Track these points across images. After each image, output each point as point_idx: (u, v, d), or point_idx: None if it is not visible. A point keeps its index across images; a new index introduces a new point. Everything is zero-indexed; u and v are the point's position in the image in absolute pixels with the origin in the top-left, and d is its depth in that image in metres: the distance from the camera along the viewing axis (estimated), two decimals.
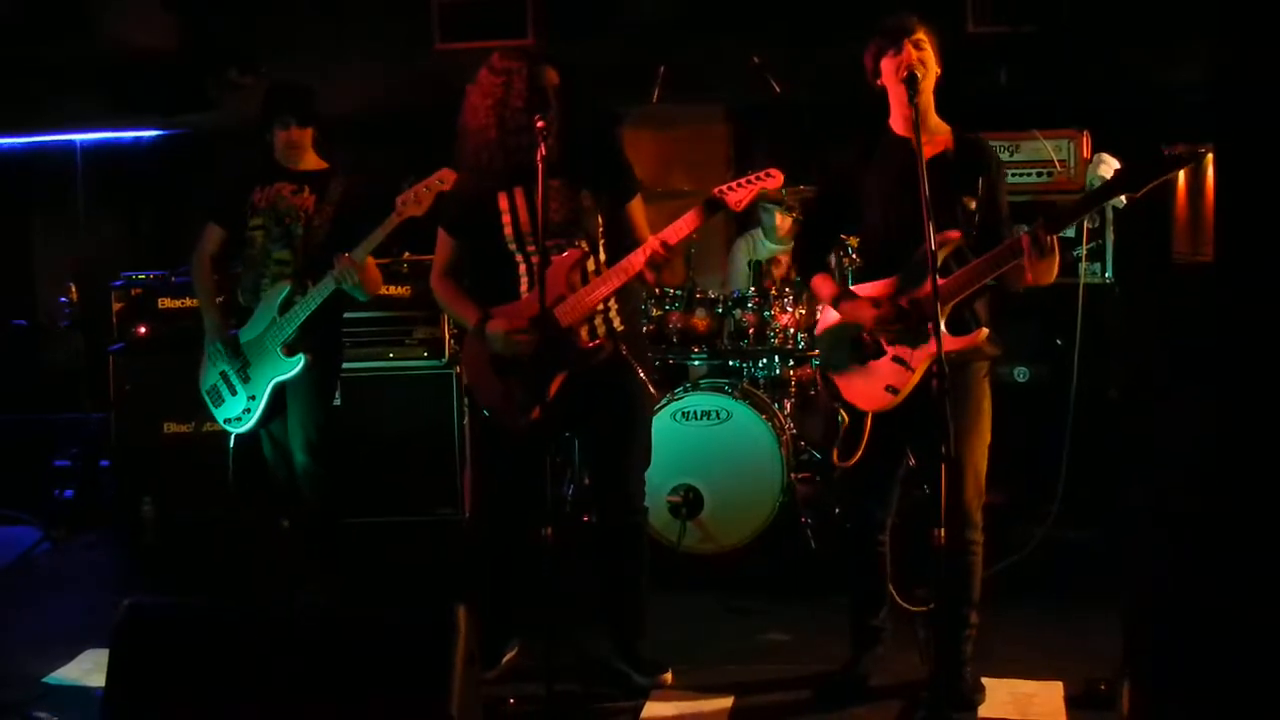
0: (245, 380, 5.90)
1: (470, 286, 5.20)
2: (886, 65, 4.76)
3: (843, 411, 4.94)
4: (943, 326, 4.53)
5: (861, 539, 5.10)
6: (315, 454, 5.87)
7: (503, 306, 5.00)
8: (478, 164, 4.99)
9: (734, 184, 4.84)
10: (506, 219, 4.99)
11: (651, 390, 5.22)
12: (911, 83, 4.66)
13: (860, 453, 4.88)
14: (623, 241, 5.02)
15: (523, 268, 5.02)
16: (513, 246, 5.01)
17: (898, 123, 4.86)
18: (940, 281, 4.56)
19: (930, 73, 4.73)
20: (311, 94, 6.03)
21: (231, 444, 6.17)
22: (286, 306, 5.79)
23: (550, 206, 4.85)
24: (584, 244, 4.96)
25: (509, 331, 4.92)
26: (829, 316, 5.04)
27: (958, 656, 4.87)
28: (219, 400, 5.99)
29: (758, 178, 4.83)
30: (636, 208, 5.11)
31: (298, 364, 5.78)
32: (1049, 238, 4.49)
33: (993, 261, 4.61)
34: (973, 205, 4.71)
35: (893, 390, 4.77)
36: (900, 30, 4.73)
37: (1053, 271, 4.62)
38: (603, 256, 5.03)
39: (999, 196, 4.87)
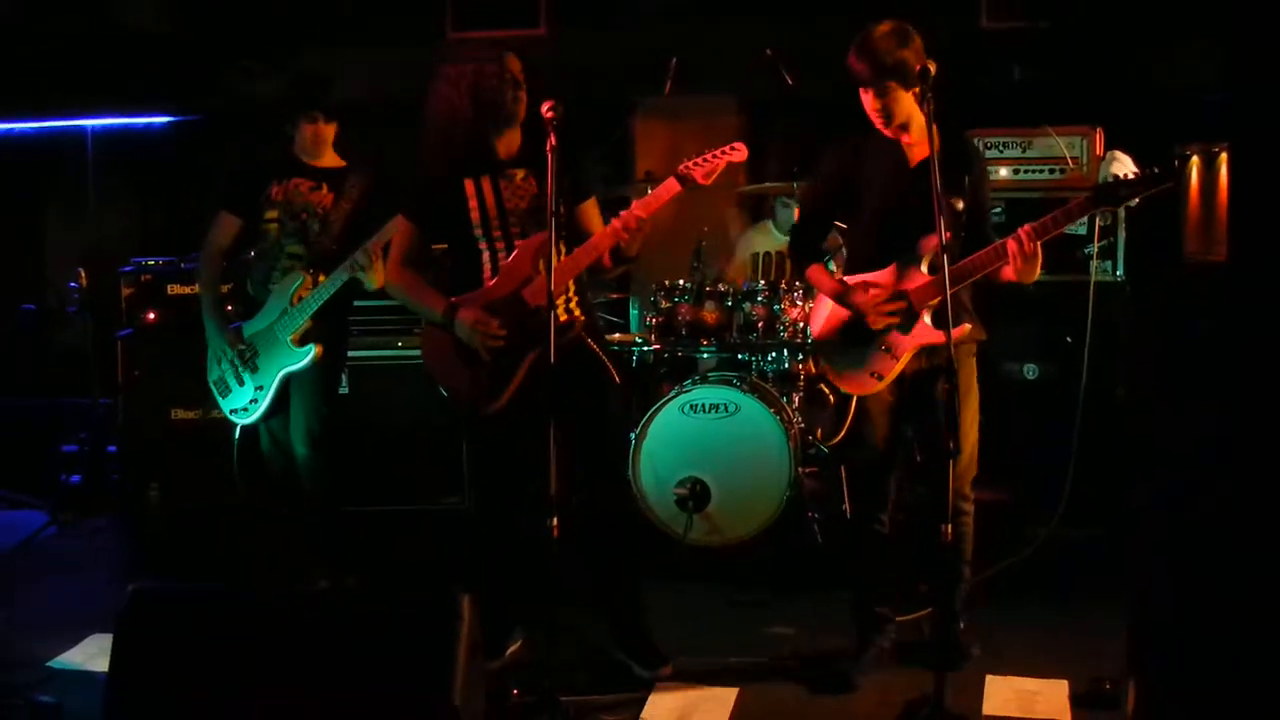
0: (254, 370, 5.90)
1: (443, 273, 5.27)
2: (862, 95, 4.89)
3: (829, 392, 5.13)
4: (927, 320, 4.91)
5: (862, 520, 5.21)
6: (316, 446, 5.87)
7: (467, 295, 5.04)
8: (444, 153, 5.06)
9: (700, 159, 4.89)
10: (473, 204, 5.03)
11: (616, 378, 5.27)
12: (887, 122, 4.88)
13: (844, 432, 5.22)
14: (576, 242, 5.06)
15: (486, 255, 5.06)
16: (478, 233, 5.05)
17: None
18: (928, 279, 4.88)
19: (898, 116, 4.87)
20: (332, 87, 6.01)
21: (237, 434, 6.16)
22: (299, 296, 5.79)
23: (516, 194, 5.03)
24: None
25: (476, 323, 4.96)
26: (822, 304, 5.22)
27: (951, 608, 5.04)
28: (225, 391, 5.99)
29: (723, 151, 4.90)
30: (590, 209, 5.18)
31: (308, 354, 5.78)
32: (1034, 244, 4.71)
33: (979, 263, 4.83)
34: (960, 205, 4.84)
35: (878, 376, 4.99)
36: (866, 81, 4.83)
37: (1035, 273, 4.84)
38: (562, 246, 5.04)
39: (982, 194, 5.06)
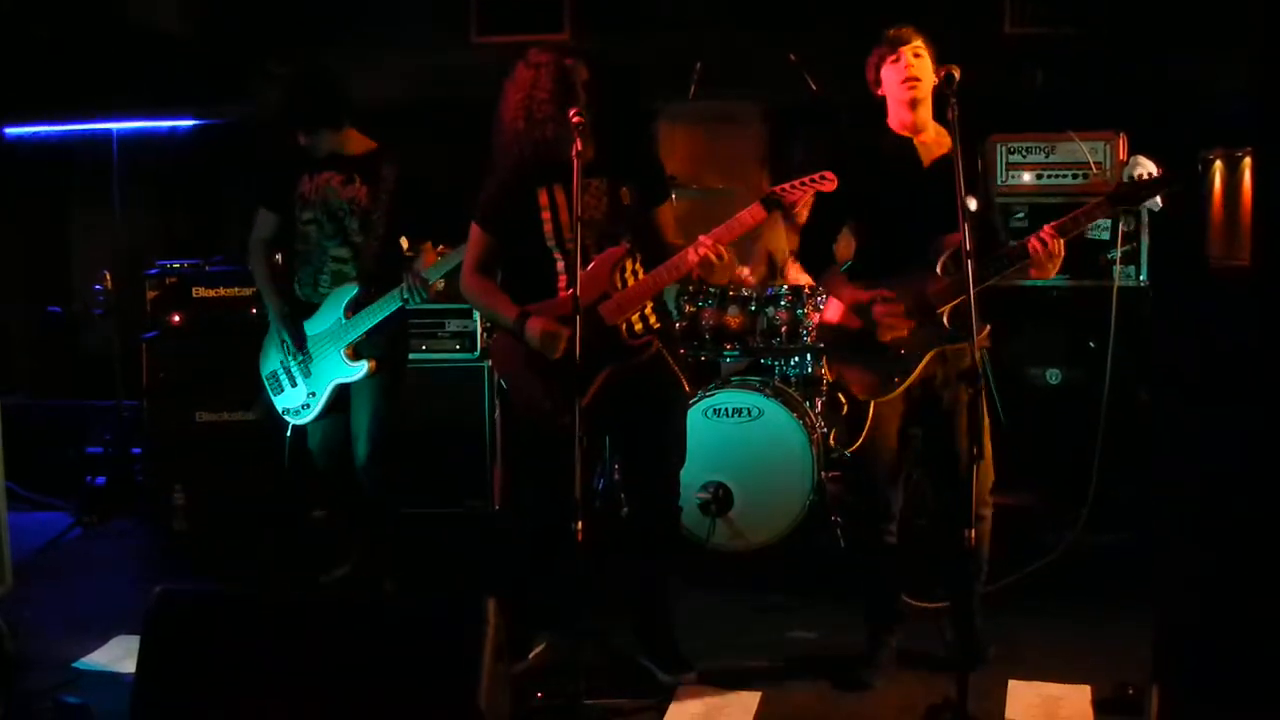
0: (307, 375, 5.87)
1: (504, 283, 5.18)
2: (887, 73, 4.95)
3: (843, 398, 5.08)
4: (946, 322, 4.88)
5: (871, 533, 5.19)
6: (376, 455, 5.83)
7: (541, 304, 4.95)
8: (508, 159, 4.96)
9: (791, 184, 4.81)
10: (546, 215, 4.93)
11: (686, 387, 5.21)
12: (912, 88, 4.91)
13: (862, 439, 5.05)
14: (648, 243, 5.01)
15: (561, 265, 4.96)
16: (551, 244, 4.95)
17: (896, 124, 5.03)
18: (947, 281, 4.85)
19: (927, 81, 4.91)
20: (339, 90, 5.82)
21: (289, 433, 6.13)
22: (353, 309, 5.73)
23: (590, 204, 4.87)
24: (625, 242, 4.93)
25: (545, 332, 4.87)
26: (834, 307, 5.16)
27: (969, 609, 5.08)
28: (279, 389, 5.97)
29: (813, 180, 4.81)
30: (667, 211, 5.08)
31: (360, 370, 5.73)
32: (1056, 243, 4.76)
33: (1001, 262, 4.85)
34: (973, 205, 4.81)
35: (893, 380, 4.96)
36: (899, 39, 4.93)
37: (1055, 270, 4.88)
38: (639, 256, 5.00)
39: (990, 190, 5.22)
